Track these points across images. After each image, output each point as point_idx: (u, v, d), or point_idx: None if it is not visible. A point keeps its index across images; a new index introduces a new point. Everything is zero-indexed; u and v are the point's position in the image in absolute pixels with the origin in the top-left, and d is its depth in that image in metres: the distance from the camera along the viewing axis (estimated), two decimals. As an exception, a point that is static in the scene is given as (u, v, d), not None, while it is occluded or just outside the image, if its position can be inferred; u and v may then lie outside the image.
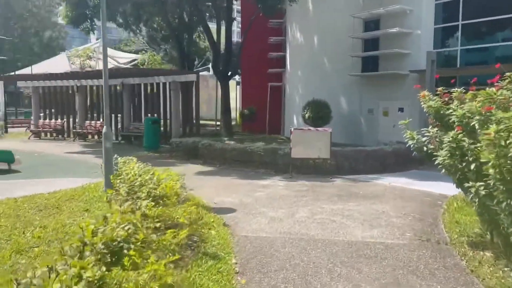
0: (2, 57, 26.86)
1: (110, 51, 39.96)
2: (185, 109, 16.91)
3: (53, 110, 20.64)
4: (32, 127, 20.25)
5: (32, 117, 20.79)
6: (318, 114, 15.63)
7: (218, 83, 21.51)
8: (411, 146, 5.48)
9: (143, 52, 39.94)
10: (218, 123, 22.37)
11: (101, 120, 19.02)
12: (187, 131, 16.85)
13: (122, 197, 5.76)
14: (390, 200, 7.60)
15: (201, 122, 28.69)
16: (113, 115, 18.69)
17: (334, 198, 7.69)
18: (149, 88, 17.88)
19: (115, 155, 8.26)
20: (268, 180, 9.54)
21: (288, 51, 21.67)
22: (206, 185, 8.84)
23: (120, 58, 36.16)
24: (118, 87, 18.47)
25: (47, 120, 20.19)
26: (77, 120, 19.62)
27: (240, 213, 6.61)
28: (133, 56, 38.36)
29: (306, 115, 15.91)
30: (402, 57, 15.04)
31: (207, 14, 25.72)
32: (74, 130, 19.33)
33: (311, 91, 17.37)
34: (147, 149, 14.57)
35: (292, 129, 10.30)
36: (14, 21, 54.45)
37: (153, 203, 4.92)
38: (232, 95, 29.72)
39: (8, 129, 23.91)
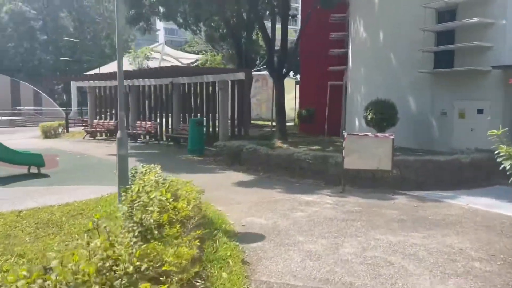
0: (65, 58, 27.43)
1: (173, 52, 40.59)
2: (234, 109, 15.85)
3: (107, 110, 20.65)
4: (87, 127, 20.41)
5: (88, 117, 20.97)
6: (382, 115, 13.75)
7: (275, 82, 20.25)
8: (500, 158, 3.79)
9: (203, 52, 39.96)
10: (275, 123, 21.12)
11: (155, 120, 18.60)
12: (236, 133, 15.78)
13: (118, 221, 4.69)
14: (469, 231, 5.81)
15: (259, 122, 27.76)
16: (156, 115, 18.34)
17: (393, 225, 6.05)
18: (198, 87, 17.08)
19: (140, 164, 7.28)
20: (314, 195, 8.05)
21: (350, 47, 19.82)
22: (241, 200, 7.59)
23: (184, 59, 36.41)
24: (168, 87, 17.87)
25: (101, 120, 20.22)
26: (129, 120, 19.38)
27: (269, 242, 5.25)
28: (196, 56, 38.51)
29: (369, 116, 14.11)
30: (482, 51, 12.71)
31: (264, 10, 24.58)
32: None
33: (375, 90, 15.50)
34: (191, 152, 13.69)
35: (346, 135, 8.70)
36: (87, 25, 57.49)
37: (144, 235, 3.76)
38: (292, 94, 28.38)
39: (70, 128, 24.50)
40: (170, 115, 18.14)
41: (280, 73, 19.33)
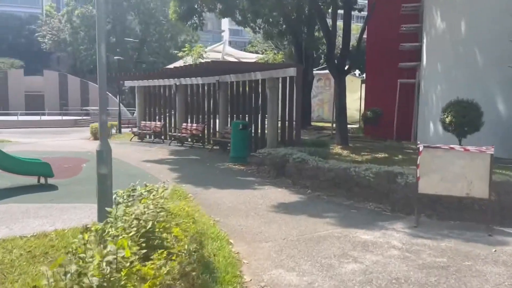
0: (118, 57, 27.16)
1: (235, 52, 39.50)
2: (285, 110, 13.89)
3: (156, 111, 19.67)
4: (134, 129, 19.58)
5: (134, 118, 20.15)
6: (464, 118, 11.00)
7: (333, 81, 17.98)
8: None
9: (264, 51, 38.49)
10: (335, 125, 18.86)
11: (200, 122, 17.21)
12: (287, 138, 13.79)
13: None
14: None
15: (320, 124, 25.47)
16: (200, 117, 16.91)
17: (503, 300, 3.77)
18: (247, 86, 15.33)
19: (171, 172, 5.67)
20: (376, 231, 5.84)
21: (424, 41, 17.00)
22: (273, 234, 5.63)
23: (245, 59, 35.15)
24: (215, 86, 16.33)
25: (148, 122, 19.24)
26: (176, 121, 18.20)
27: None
28: (257, 56, 37.13)
29: (447, 119, 11.42)
30: None
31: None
32: (169, 133, 17.94)
33: (454, 89, 12.71)
34: (233, 160, 11.96)
35: (421, 147, 6.37)
36: (153, 26, 58.57)
37: None
38: (357, 94, 25.83)
39: (125, 129, 23.99)
40: (218, 116, 16.63)
41: (341, 69, 17.02)
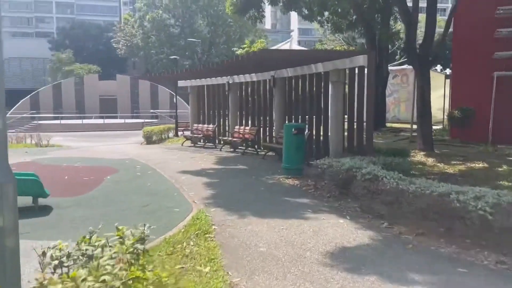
0: (174, 57, 25.98)
1: (301, 50, 37.33)
2: (352, 109, 11.24)
3: (209, 113, 17.92)
4: (186, 132, 18.00)
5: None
6: None
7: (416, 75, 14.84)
8: None
9: (333, 48, 35.89)
10: (415, 126, 15.70)
11: (255, 125, 15.09)
12: (355, 143, 11.12)
13: None
14: None
15: (396, 125, 22.12)
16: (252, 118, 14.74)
17: None
18: (307, 81, 12.87)
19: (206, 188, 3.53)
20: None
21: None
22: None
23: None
24: (270, 82, 14.04)
25: (200, 125, 17.52)
26: (229, 124, 16.25)
27: None
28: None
29: None
30: None
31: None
32: (219, 137, 16.02)
33: None
34: (285, 171, 9.59)
35: None
36: (221, 28, 58.11)
37: None
38: (440, 92, 22.17)
39: (183, 131, 22.68)
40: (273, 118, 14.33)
41: (424, 60, 13.90)
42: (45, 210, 6.41)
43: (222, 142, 15.62)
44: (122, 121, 38.00)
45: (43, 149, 16.34)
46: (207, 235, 5.27)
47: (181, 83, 19.27)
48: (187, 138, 17.53)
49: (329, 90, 11.37)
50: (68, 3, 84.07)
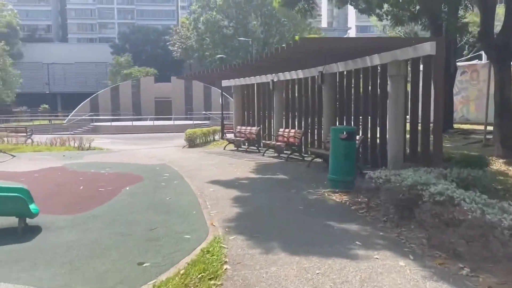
0: (221, 55, 25.00)
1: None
2: (416, 109, 9.33)
3: (254, 114, 16.60)
4: (228, 135, 16.80)
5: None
6: None
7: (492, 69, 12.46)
8: None
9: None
10: (490, 128, 13.31)
11: (305, 127, 13.54)
12: (419, 150, 9.20)
13: None
14: None
15: (465, 127, 19.39)
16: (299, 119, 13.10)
17: None
18: (361, 76, 11.10)
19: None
20: None
21: None
22: None
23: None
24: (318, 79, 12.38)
25: (243, 127, 16.22)
26: (274, 126, 14.81)
27: None
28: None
29: None
30: None
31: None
32: (263, 141, 14.59)
33: None
34: (332, 183, 7.96)
35: None
36: (274, 27, 56.89)
37: None
38: (518, 88, 19.21)
39: (226, 134, 21.63)
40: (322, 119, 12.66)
41: (503, 51, 11.56)
42: (31, 232, 5.35)
43: (266, 147, 14.20)
44: (171, 122, 37.93)
45: (82, 152, 15.90)
46: (212, 282, 3.87)
47: (225, 83, 18.14)
48: (229, 141, 16.35)
49: (387, 86, 9.55)
50: (128, 9, 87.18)
